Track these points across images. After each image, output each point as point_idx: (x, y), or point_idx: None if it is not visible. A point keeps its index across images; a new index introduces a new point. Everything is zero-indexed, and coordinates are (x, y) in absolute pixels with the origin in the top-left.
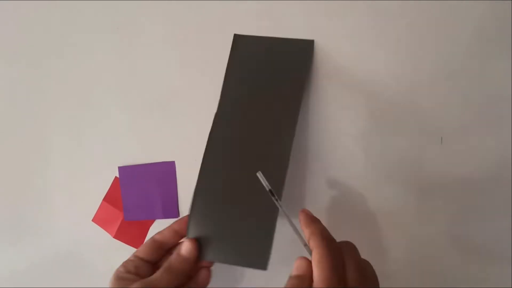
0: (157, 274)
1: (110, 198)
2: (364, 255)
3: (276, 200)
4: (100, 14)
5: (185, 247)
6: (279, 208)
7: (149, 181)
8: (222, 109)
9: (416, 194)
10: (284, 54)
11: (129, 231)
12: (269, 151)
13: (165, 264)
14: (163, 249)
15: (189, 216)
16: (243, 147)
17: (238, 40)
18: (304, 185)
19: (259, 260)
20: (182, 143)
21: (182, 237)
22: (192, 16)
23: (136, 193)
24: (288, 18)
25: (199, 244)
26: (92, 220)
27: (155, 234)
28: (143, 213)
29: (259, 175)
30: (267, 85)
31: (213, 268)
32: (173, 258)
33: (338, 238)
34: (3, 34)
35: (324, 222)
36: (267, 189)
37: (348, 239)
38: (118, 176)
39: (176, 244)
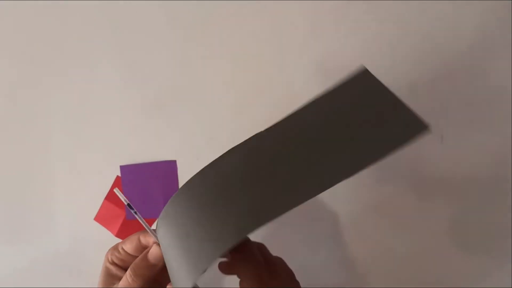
0: (123, 281)
1: (112, 197)
2: (364, 253)
3: (135, 213)
4: (101, 13)
5: (152, 253)
6: (140, 221)
7: (150, 180)
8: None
9: (416, 192)
10: (388, 119)
11: (131, 230)
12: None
13: (129, 270)
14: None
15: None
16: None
17: (362, 74)
18: None
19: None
20: (184, 142)
21: None
22: (193, 16)
23: (137, 192)
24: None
25: None
26: (94, 219)
27: (141, 234)
28: (144, 211)
29: (116, 191)
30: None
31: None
32: (136, 263)
33: (338, 236)
34: (4, 34)
35: (325, 220)
36: (125, 204)
37: (348, 237)
38: (120, 175)
39: None
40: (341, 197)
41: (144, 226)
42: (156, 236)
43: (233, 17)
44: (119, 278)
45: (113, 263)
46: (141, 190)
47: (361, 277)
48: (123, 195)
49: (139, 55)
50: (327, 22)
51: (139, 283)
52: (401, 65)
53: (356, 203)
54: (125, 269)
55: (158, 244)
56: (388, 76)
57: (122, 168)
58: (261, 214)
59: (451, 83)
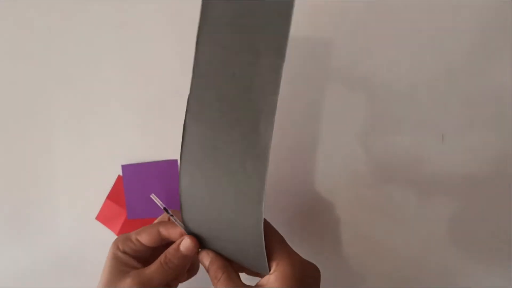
0: (152, 268)
1: (113, 196)
2: (364, 253)
3: (172, 216)
4: (103, 12)
5: (185, 244)
6: (176, 222)
7: (152, 179)
8: (196, 93)
9: (417, 191)
10: (260, 18)
11: (132, 229)
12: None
13: (161, 258)
14: (166, 240)
15: (181, 213)
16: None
17: (208, 6)
18: (307, 183)
19: (260, 265)
20: None
21: None
22: (195, 14)
23: (139, 191)
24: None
25: (199, 238)
26: (96, 218)
27: (161, 227)
28: (146, 211)
29: (153, 197)
30: (244, 54)
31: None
32: (170, 252)
33: (339, 235)
34: (6, 33)
35: (325, 220)
36: (162, 208)
37: (349, 237)
38: (121, 174)
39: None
40: (341, 197)
41: (180, 226)
42: (185, 230)
43: None
44: (132, 266)
45: (125, 253)
46: (142, 190)
47: (361, 277)
48: (159, 201)
49: (142, 54)
50: (327, 22)
51: (173, 270)
52: (401, 65)
53: (356, 203)
54: (138, 259)
55: (189, 236)
56: (388, 76)
57: (124, 167)
58: None
59: (451, 83)
